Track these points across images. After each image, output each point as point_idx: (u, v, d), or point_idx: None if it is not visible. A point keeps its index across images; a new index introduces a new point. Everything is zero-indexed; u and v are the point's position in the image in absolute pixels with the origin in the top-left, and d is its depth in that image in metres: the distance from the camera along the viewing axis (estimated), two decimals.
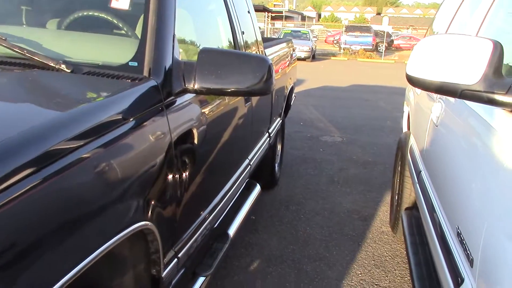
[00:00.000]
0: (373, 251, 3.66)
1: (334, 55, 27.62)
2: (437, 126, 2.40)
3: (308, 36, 24.52)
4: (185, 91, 1.86)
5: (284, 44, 5.05)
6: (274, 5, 48.78)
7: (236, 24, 2.94)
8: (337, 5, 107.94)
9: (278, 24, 40.94)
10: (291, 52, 5.45)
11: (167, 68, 1.83)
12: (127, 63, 1.79)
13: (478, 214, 1.59)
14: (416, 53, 1.71)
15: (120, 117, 1.48)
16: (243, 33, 3.05)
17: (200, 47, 1.91)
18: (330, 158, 6.18)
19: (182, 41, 2.26)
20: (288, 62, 4.95)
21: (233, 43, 2.88)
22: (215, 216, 2.53)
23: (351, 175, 5.51)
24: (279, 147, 5.08)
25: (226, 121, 2.56)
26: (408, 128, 4.09)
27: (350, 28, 29.84)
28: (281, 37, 23.77)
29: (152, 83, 1.73)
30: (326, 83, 13.95)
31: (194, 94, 1.95)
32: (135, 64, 1.79)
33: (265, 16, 36.03)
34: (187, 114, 1.96)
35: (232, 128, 2.68)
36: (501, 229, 1.39)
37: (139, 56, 1.80)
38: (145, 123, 1.60)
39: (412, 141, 3.34)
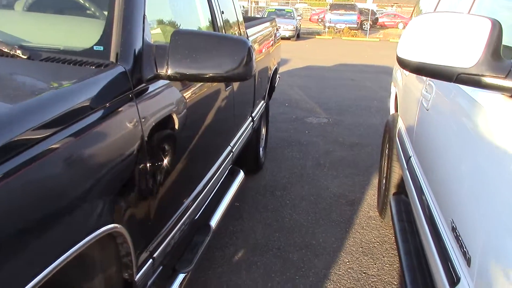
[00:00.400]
0: (361, 237, 3.56)
1: (319, 33, 27.33)
2: (427, 110, 2.27)
3: (292, 15, 24.19)
4: (157, 77, 1.70)
5: (267, 24, 4.87)
6: None
7: (214, 3, 2.77)
8: None
9: (262, 2, 40.49)
10: (274, 32, 5.28)
11: (136, 52, 1.67)
12: (92, 47, 1.63)
13: (475, 208, 1.47)
14: (408, 33, 1.57)
15: (83, 109, 1.33)
16: (222, 12, 2.88)
17: (175, 29, 1.74)
18: (316, 140, 6.06)
19: (154, 22, 2.09)
20: (271, 42, 4.79)
21: (211, 24, 2.71)
22: (196, 208, 2.39)
23: (338, 158, 5.39)
24: (263, 130, 4.93)
25: (206, 107, 2.41)
26: (396, 110, 3.97)
27: (334, 6, 29.52)
28: (265, 16, 23.49)
29: (119, 69, 1.57)
30: (311, 63, 13.77)
31: (168, 81, 1.80)
32: (101, 48, 1.62)
33: None
34: (160, 102, 1.80)
35: (212, 114, 2.53)
36: (503, 225, 1.27)
37: (105, 39, 1.64)
38: (111, 114, 1.45)
39: (400, 124, 3.22)
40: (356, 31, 26.77)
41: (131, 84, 1.58)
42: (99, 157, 1.38)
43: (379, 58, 15.85)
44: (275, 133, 6.23)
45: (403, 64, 1.57)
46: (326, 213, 3.94)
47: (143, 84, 1.67)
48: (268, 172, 4.82)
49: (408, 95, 3.05)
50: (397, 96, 3.70)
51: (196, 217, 2.55)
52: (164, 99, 1.85)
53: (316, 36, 26.28)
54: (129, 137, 1.53)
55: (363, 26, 29.23)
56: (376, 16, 35.03)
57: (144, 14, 1.78)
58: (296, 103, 8.19)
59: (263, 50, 4.20)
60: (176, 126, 1.95)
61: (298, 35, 24.00)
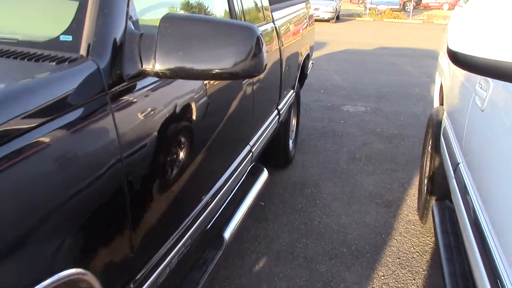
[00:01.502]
0: (399, 246, 3.18)
1: (359, 15, 26.50)
2: (482, 110, 1.87)
3: None
4: (142, 74, 1.37)
5: (300, 5, 4.47)
6: None
7: None
8: None
9: None
10: (307, 14, 4.87)
11: (116, 42, 1.33)
12: (58, 37, 1.30)
13: None
14: (464, 18, 1.19)
15: (34, 121, 1.02)
16: None
17: (167, 13, 1.39)
18: (352, 130, 5.64)
19: (147, 5, 1.76)
20: (303, 26, 4.39)
21: (227, 8, 2.35)
22: (204, 220, 2.07)
23: (375, 151, 4.98)
24: (293, 121, 4.56)
25: (215, 106, 2.06)
26: (441, 103, 3.54)
27: None
28: None
29: (89, 65, 1.24)
30: (349, 46, 13.22)
31: (156, 78, 1.46)
32: (69, 38, 1.30)
33: None
34: (149, 105, 1.47)
35: (223, 114, 2.19)
36: None
37: (75, 26, 1.31)
38: (74, 127, 1.13)
39: (446, 122, 2.80)
40: (399, 13, 25.83)
41: (104, 84, 1.25)
42: (56, 182, 1.06)
43: (422, 41, 15.13)
44: (308, 123, 5.85)
45: (458, 60, 1.19)
46: (360, 216, 3.56)
47: (124, 84, 1.33)
48: (298, 167, 4.46)
49: (456, 89, 2.62)
50: (443, 87, 3.26)
51: (208, 227, 2.23)
52: (155, 100, 1.52)
53: (357, 18, 25.49)
54: (100, 154, 1.21)
55: (406, 7, 28.18)
56: None
57: None
58: (332, 89, 7.76)
59: (293, 35, 3.82)
60: (169, 135, 1.62)
61: (337, 17, 23.31)
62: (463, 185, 2.10)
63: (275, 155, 4.14)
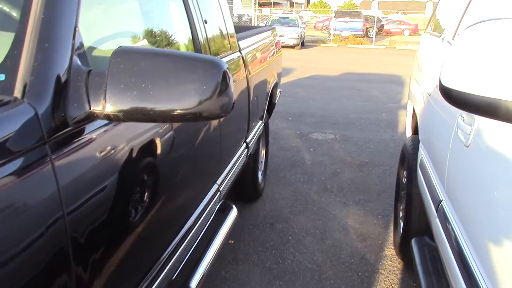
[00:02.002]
0: (377, 285, 3.01)
1: (323, 41, 26.81)
2: (467, 146, 1.73)
3: (296, 23, 23.70)
4: (90, 117, 1.18)
5: (266, 33, 4.35)
6: None
7: (194, 10, 2.24)
8: None
9: (266, 10, 40.09)
10: (274, 42, 4.76)
11: (59, 81, 1.14)
12: None
13: None
14: (458, 51, 1.05)
15: None
16: (205, 22, 2.35)
17: (119, 47, 1.21)
18: (322, 159, 5.51)
19: (98, 37, 1.57)
20: (270, 54, 4.26)
21: (190, 36, 2.18)
22: (169, 271, 1.86)
23: (346, 181, 4.84)
24: (262, 153, 4.40)
25: (177, 145, 1.87)
26: (414, 132, 3.43)
27: (339, 14, 29.05)
28: (269, 24, 23.03)
29: (24, 110, 1.04)
30: (315, 72, 13.25)
31: (107, 121, 1.27)
32: (1, 77, 1.10)
33: (252, 2, 35.15)
34: (97, 152, 1.26)
35: (187, 153, 2.00)
36: None
37: (9, 63, 1.11)
38: (5, 184, 0.93)
39: (423, 154, 2.68)
40: (362, 39, 26.24)
41: (42, 131, 1.05)
42: None
43: (386, 66, 15.32)
44: (277, 152, 5.70)
45: (452, 98, 1.04)
46: (334, 252, 3.39)
47: (68, 129, 1.14)
48: (268, 200, 4.28)
49: (433, 120, 2.50)
50: (416, 116, 3.15)
51: (174, 276, 2.02)
52: (107, 144, 1.32)
53: (321, 44, 25.79)
54: (35, 216, 1.00)
55: (369, 33, 28.70)
56: (381, 23, 34.53)
57: (76, 26, 1.25)
58: (300, 116, 7.66)
59: (260, 64, 3.68)
60: (128, 181, 1.42)
61: (302, 43, 23.53)
62: (447, 224, 1.95)
63: (244, 188, 3.95)
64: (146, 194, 1.56)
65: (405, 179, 3.30)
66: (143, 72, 1.16)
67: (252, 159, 3.78)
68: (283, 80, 11.46)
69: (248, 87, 3.06)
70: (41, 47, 1.14)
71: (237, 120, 2.90)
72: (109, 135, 1.33)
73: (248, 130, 3.22)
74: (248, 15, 36.09)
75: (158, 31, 2.06)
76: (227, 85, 1.22)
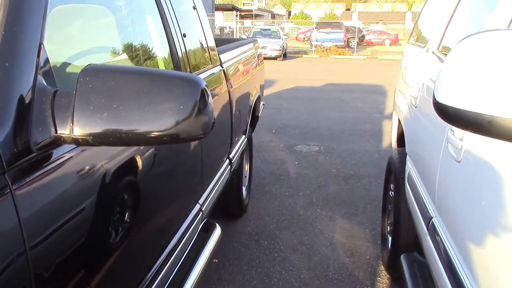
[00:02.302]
0: None
1: (305, 52, 26.89)
2: (459, 162, 1.66)
3: (278, 34, 23.76)
4: (56, 142, 1.08)
5: (247, 46, 4.28)
6: (243, 3, 48.07)
7: (172, 24, 2.15)
8: (306, 2, 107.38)
9: (248, 23, 40.21)
10: (257, 54, 4.70)
11: (21, 103, 1.04)
12: None
13: None
14: (453, 65, 0.97)
15: None
16: (184, 36, 2.27)
17: (89, 64, 1.12)
18: (307, 172, 5.44)
19: (67, 54, 1.48)
20: (252, 67, 4.19)
21: (169, 51, 2.09)
22: None
23: (332, 194, 4.77)
24: (246, 167, 4.31)
25: (155, 169, 1.77)
26: (399, 145, 3.37)
27: (320, 25, 29.16)
28: (251, 36, 23.04)
29: None
30: (298, 83, 13.23)
31: (75, 146, 1.17)
32: None
33: (234, 15, 35.23)
34: (65, 179, 1.16)
35: (166, 172, 1.90)
36: None
37: None
38: None
39: (410, 168, 2.61)
40: (343, 49, 26.38)
41: (1, 160, 0.95)
42: None
43: (368, 76, 15.38)
44: (261, 166, 5.61)
45: (448, 115, 0.97)
46: (322, 269, 3.30)
47: (32, 156, 1.04)
48: (253, 216, 4.18)
49: (421, 132, 2.44)
50: (402, 127, 3.09)
51: None
52: (77, 169, 1.22)
53: (303, 55, 25.87)
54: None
55: (350, 44, 28.90)
56: (362, 34, 34.81)
57: (41, 42, 1.16)
58: (284, 129, 7.59)
59: (242, 77, 3.60)
60: (102, 207, 1.32)
61: (284, 55, 23.56)
62: (439, 242, 1.88)
63: (228, 205, 3.86)
64: (121, 220, 1.46)
65: (392, 193, 3.24)
66: (114, 92, 1.07)
67: (235, 175, 3.69)
68: (266, 92, 11.41)
69: (230, 101, 2.98)
70: (0, 66, 1.04)
71: (220, 136, 2.81)
72: (78, 160, 1.23)
73: (231, 146, 3.13)
74: (230, 27, 36.16)
75: (135, 47, 1.97)
76: (206, 103, 1.13)
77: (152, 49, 2.04)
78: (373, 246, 3.65)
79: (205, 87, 1.14)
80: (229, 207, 3.91)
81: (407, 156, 2.79)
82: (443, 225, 1.87)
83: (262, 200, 4.54)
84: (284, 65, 19.96)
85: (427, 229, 2.01)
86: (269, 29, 25.27)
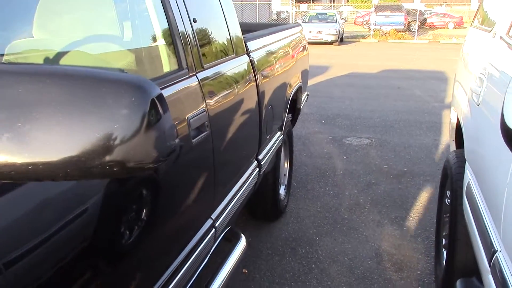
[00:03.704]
0: None
1: (363, 37, 25.97)
2: None
3: (334, 19, 22.99)
4: None
5: (287, 32, 3.88)
6: None
7: (177, 5, 1.79)
8: None
9: (304, 7, 39.39)
10: (300, 40, 4.28)
11: None
12: None
13: None
14: None
15: None
16: (194, 21, 1.91)
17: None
18: (355, 168, 5.00)
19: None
20: (292, 54, 3.79)
21: (170, 40, 1.73)
22: None
23: (382, 194, 4.32)
24: (286, 164, 3.94)
25: (155, 182, 1.44)
26: (458, 146, 2.90)
27: (380, 8, 28.05)
28: (306, 20, 22.45)
29: None
30: (354, 69, 12.63)
31: None
32: None
33: None
34: None
35: (168, 190, 1.57)
36: None
37: None
38: None
39: (470, 178, 2.16)
40: (403, 33, 25.27)
41: None
42: None
43: (429, 62, 14.54)
44: (306, 160, 5.22)
45: None
46: (365, 286, 2.90)
47: None
48: (292, 218, 3.81)
49: (484, 141, 1.98)
50: (462, 128, 2.62)
51: None
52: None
53: (361, 40, 25.00)
54: None
55: (411, 28, 27.67)
56: (424, 17, 33.27)
57: None
58: (334, 119, 7.13)
59: (278, 67, 3.21)
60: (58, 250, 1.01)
61: (341, 39, 22.82)
62: (505, 283, 1.45)
63: (262, 207, 3.51)
64: (120, 237, 1.15)
65: (448, 201, 2.79)
66: (19, 104, 0.74)
67: (271, 175, 3.33)
68: (319, 79, 10.97)
69: (258, 96, 2.61)
70: None
71: (242, 137, 2.44)
72: None
73: (260, 147, 2.76)
74: (287, 11, 35.46)
75: (122, 36, 1.64)
76: (160, 116, 0.79)
77: (147, 38, 1.70)
78: (425, 259, 3.21)
79: (159, 96, 0.79)
80: (263, 210, 3.56)
81: (466, 163, 2.34)
82: (510, 262, 1.44)
83: (303, 200, 4.16)
84: (340, 50, 19.30)
85: (489, 265, 1.58)
86: (325, 13, 24.51)
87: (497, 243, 1.55)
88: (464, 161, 2.40)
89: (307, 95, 4.67)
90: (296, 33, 4.21)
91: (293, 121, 4.29)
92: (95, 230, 1.18)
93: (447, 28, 32.54)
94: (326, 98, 8.63)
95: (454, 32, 27.97)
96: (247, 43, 2.61)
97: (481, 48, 2.71)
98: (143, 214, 1.41)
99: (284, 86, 3.35)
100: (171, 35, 1.72)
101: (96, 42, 1.65)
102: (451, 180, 2.59)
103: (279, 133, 3.31)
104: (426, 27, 32.07)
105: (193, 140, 1.67)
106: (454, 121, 3.00)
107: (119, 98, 0.76)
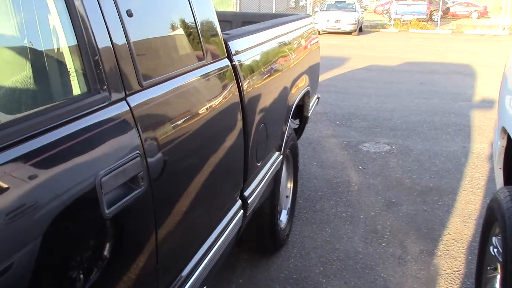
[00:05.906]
0: None
1: (383, 26, 24.93)
2: None
3: (354, 7, 22.06)
4: None
5: (293, 24, 3.19)
6: None
7: None
8: None
9: None
10: (309, 35, 3.60)
11: None
12: None
13: None
14: None
15: None
16: (129, 15, 1.24)
17: None
18: (373, 182, 4.31)
19: None
20: (297, 52, 3.10)
21: (75, 44, 1.08)
22: None
23: (403, 218, 3.64)
24: (289, 185, 3.27)
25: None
26: (507, 181, 2.21)
27: None
28: (324, 9, 21.63)
29: None
30: (373, 62, 11.83)
31: None
32: None
33: None
34: None
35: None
36: None
37: None
38: None
39: None
40: (426, 23, 24.23)
41: None
42: None
43: (453, 54, 13.67)
44: (316, 171, 4.54)
45: None
46: None
47: None
48: (294, 250, 3.16)
49: None
50: None
51: None
52: None
53: (381, 29, 24.02)
54: None
55: (433, 17, 26.58)
56: (447, 6, 32.11)
57: None
58: (350, 119, 6.42)
59: (275, 69, 2.53)
60: None
61: (360, 29, 21.91)
62: None
63: (257, 240, 2.86)
64: None
65: (495, 250, 2.12)
66: None
67: (268, 204, 2.68)
68: (335, 72, 10.21)
69: (243, 114, 1.94)
70: None
71: (215, 178, 1.75)
72: None
73: (246, 180, 2.09)
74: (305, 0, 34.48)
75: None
76: None
77: (36, 41, 1.04)
78: None
79: None
80: (259, 243, 2.91)
81: None
82: None
83: (310, 225, 3.50)
84: (358, 40, 18.42)
85: None
86: (344, 1, 23.54)
87: None
88: None
89: (318, 98, 3.99)
90: (305, 26, 3.52)
91: (300, 130, 3.61)
92: None
93: (471, 17, 31.33)
94: (342, 94, 7.92)
95: (479, 22, 26.82)
96: (228, 43, 1.94)
97: None
98: None
99: (284, 95, 2.66)
100: (77, 36, 1.06)
101: None
102: (504, 226, 1.91)
103: (277, 153, 2.64)
104: (449, 17, 30.92)
105: (107, 211, 1.02)
106: (503, 145, 2.30)
107: None
